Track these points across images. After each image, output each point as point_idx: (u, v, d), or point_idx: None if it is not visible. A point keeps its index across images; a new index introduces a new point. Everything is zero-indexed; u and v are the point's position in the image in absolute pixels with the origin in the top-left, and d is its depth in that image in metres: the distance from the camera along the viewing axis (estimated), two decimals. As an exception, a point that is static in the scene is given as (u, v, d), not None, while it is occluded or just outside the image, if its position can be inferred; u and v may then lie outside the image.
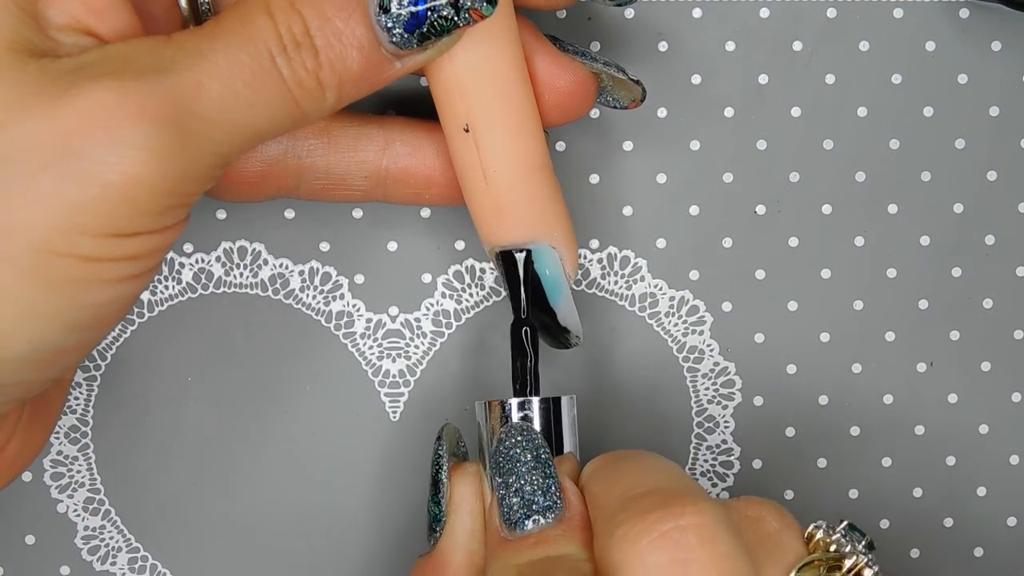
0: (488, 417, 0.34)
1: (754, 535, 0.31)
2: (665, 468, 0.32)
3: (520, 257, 0.35)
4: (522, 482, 0.32)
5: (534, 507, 0.32)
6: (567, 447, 0.34)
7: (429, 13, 0.31)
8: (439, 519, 0.34)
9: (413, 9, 0.31)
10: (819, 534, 0.32)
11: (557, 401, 0.34)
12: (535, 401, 0.34)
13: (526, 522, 0.32)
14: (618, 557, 0.29)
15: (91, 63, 0.29)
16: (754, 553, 0.30)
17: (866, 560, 0.31)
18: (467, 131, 0.34)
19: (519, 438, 0.33)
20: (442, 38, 0.31)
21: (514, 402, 0.34)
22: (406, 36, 0.31)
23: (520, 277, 0.35)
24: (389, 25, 0.31)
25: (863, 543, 0.31)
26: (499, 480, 0.33)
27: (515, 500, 0.32)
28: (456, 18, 0.31)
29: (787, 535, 0.31)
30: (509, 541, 0.32)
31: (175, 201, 0.29)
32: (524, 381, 0.35)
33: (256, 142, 0.31)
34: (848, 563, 0.31)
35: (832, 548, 0.31)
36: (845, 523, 0.32)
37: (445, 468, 0.34)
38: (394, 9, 0.30)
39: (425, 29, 0.31)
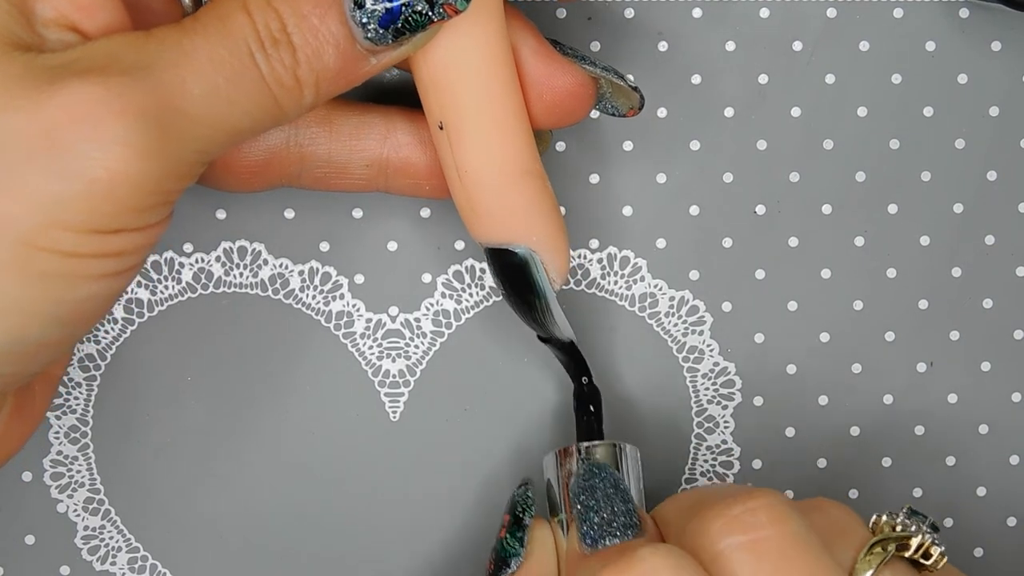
0: (559, 464, 0.35)
1: (821, 521, 0.31)
2: (728, 486, 0.33)
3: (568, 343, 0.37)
4: (602, 505, 0.33)
5: (614, 525, 0.33)
6: (633, 497, 0.35)
7: (403, 9, 0.31)
8: (516, 555, 0.34)
9: (388, 5, 0.30)
10: (883, 519, 0.32)
11: (622, 448, 0.36)
12: (601, 446, 0.35)
13: (607, 539, 0.33)
14: (692, 545, 0.30)
15: (76, 59, 0.29)
16: (823, 536, 0.30)
17: (931, 539, 0.31)
18: (441, 129, 0.33)
19: (597, 470, 0.35)
20: (417, 34, 0.31)
21: (584, 447, 0.35)
22: (381, 32, 0.31)
23: (582, 355, 0.37)
24: (364, 21, 0.31)
25: (927, 524, 0.32)
26: (579, 507, 0.34)
27: (596, 520, 0.33)
28: (430, 13, 0.31)
29: (852, 521, 0.32)
30: (591, 556, 0.33)
31: (157, 199, 0.29)
32: (589, 436, 0.36)
33: (236, 140, 0.31)
34: (915, 542, 0.31)
35: (898, 529, 0.31)
36: (907, 507, 0.32)
37: (531, 509, 0.35)
38: (369, 5, 0.30)
39: (400, 25, 0.31)
